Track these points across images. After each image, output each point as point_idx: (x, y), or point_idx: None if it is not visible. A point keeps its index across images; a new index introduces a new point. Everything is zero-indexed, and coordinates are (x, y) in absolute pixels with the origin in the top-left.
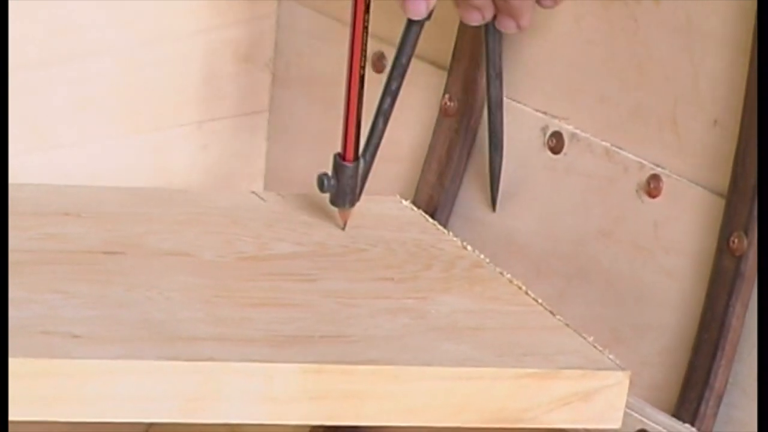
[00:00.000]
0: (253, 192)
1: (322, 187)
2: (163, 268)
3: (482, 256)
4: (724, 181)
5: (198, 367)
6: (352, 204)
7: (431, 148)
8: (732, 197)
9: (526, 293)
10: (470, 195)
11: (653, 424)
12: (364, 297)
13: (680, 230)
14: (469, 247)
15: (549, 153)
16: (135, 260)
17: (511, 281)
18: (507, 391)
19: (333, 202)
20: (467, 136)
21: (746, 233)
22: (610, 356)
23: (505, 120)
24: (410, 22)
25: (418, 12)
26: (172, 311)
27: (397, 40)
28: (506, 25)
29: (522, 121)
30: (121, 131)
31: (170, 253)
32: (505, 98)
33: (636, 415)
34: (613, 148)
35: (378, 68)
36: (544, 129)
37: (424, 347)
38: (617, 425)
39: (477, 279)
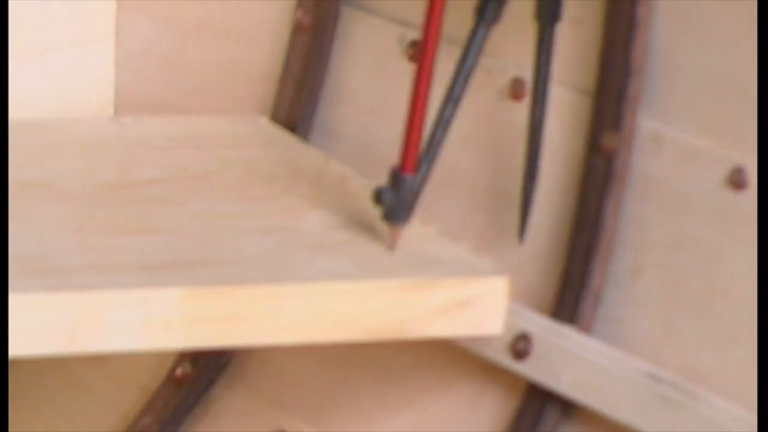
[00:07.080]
0: (110, 118)
1: (379, 201)
2: (28, 200)
3: (347, 169)
4: (589, 80)
5: (77, 297)
6: (407, 220)
7: (287, 64)
8: (599, 96)
9: None
10: (329, 109)
11: (533, 327)
12: (233, 218)
13: (547, 132)
14: (333, 161)
15: (407, 62)
16: None
17: None
18: (386, 303)
19: (388, 218)
20: (323, 50)
21: (616, 131)
22: (488, 262)
23: (363, 32)
24: (479, 23)
25: None
26: (43, 243)
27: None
28: None
29: (378, 31)
30: None
31: (33, 185)
32: (358, 9)
33: (516, 318)
34: None
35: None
36: (401, 38)
37: (300, 264)
38: (498, 331)
39: (345, 193)
